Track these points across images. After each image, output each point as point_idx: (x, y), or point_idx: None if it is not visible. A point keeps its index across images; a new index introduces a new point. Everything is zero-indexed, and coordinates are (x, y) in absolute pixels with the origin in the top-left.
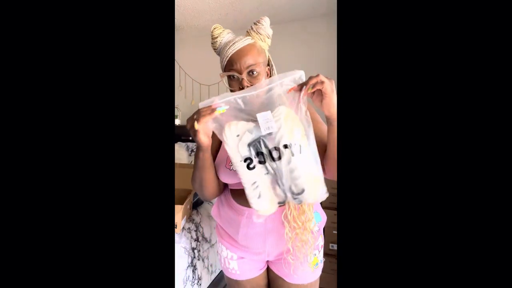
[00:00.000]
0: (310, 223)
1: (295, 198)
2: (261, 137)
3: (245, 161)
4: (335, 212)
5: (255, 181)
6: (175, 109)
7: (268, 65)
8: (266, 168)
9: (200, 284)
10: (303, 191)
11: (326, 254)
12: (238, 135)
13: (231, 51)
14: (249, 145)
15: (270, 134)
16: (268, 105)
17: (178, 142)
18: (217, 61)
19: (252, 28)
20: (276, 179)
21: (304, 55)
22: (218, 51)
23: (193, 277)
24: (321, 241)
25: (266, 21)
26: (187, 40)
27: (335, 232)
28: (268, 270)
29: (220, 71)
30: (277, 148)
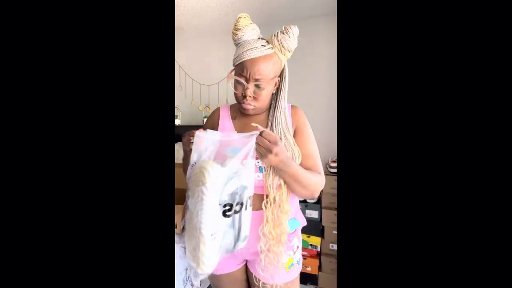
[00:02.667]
0: (285, 236)
1: (242, 242)
2: (243, 187)
3: (224, 206)
4: (335, 212)
5: (218, 231)
6: (175, 109)
7: (280, 76)
8: (234, 219)
9: (200, 284)
10: (246, 237)
11: (326, 254)
12: (222, 180)
13: (246, 56)
14: (232, 193)
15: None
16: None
17: (178, 142)
18: (217, 61)
19: (277, 36)
20: (237, 229)
21: (304, 55)
22: (236, 43)
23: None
24: (296, 242)
25: (294, 32)
26: (187, 40)
27: (335, 232)
28: (247, 267)
29: (220, 70)
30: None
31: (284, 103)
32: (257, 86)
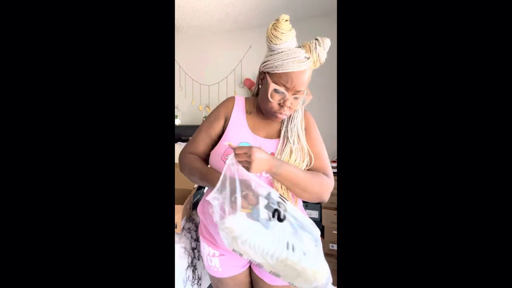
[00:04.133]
0: None
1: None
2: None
3: (272, 216)
4: (335, 212)
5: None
6: (175, 109)
7: None
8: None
9: (200, 284)
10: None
11: (326, 254)
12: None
13: (294, 67)
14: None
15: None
16: None
17: (178, 142)
18: (217, 61)
19: (315, 47)
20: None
21: None
22: (274, 49)
23: (193, 277)
24: None
25: (327, 44)
26: (187, 40)
27: (335, 232)
28: (251, 269)
29: (220, 70)
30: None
31: (302, 110)
32: (295, 97)
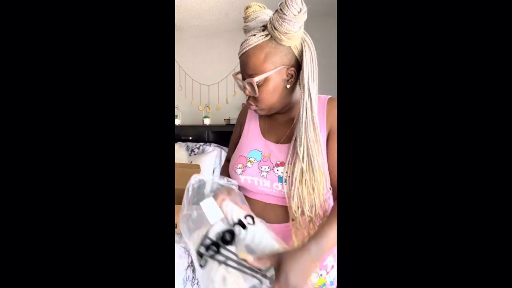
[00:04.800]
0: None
1: (267, 278)
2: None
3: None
4: None
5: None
6: (175, 109)
7: (297, 65)
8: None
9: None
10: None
11: None
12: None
13: (240, 50)
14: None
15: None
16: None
17: (178, 142)
18: (217, 61)
19: (271, 20)
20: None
21: None
22: None
23: (193, 277)
24: (331, 260)
25: (292, 9)
26: (187, 40)
27: None
28: None
29: (220, 70)
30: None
31: (307, 97)
32: (249, 82)
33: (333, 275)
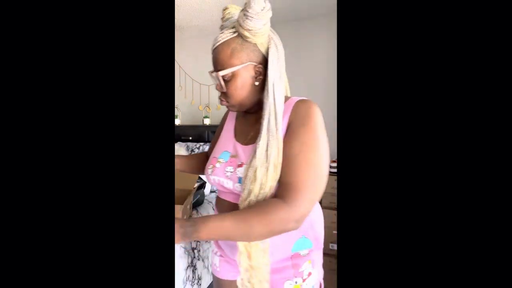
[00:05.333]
0: (266, 268)
1: None
2: None
3: None
4: (335, 212)
5: None
6: (175, 109)
7: (263, 63)
8: None
9: (200, 284)
10: None
11: (326, 254)
12: None
13: (211, 48)
14: None
15: None
16: None
17: (178, 142)
18: None
19: (238, 18)
20: None
21: (304, 55)
22: None
23: (193, 277)
24: (308, 267)
25: (255, 7)
26: (187, 40)
27: (335, 232)
28: None
29: None
30: None
31: (271, 97)
32: (223, 79)
33: (311, 282)
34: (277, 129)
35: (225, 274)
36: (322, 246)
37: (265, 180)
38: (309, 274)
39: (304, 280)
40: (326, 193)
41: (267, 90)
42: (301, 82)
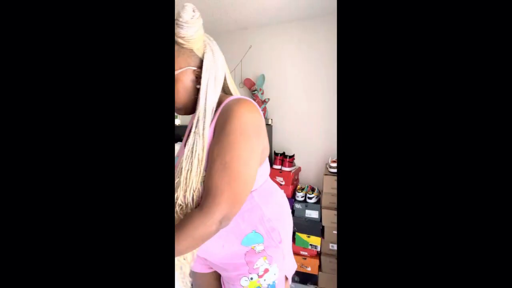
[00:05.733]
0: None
1: None
2: None
3: None
4: (335, 212)
5: None
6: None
7: (202, 67)
8: None
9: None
10: None
11: (326, 254)
12: None
13: None
14: None
15: None
16: None
17: (178, 142)
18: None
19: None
20: None
21: (304, 55)
22: None
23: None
24: (264, 263)
25: (184, 14)
26: None
27: (335, 232)
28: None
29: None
30: None
31: (203, 99)
32: None
33: (270, 278)
34: (204, 129)
35: (197, 267)
36: (281, 241)
37: (189, 175)
38: (266, 270)
39: (260, 276)
40: (326, 193)
41: (201, 92)
42: (301, 81)
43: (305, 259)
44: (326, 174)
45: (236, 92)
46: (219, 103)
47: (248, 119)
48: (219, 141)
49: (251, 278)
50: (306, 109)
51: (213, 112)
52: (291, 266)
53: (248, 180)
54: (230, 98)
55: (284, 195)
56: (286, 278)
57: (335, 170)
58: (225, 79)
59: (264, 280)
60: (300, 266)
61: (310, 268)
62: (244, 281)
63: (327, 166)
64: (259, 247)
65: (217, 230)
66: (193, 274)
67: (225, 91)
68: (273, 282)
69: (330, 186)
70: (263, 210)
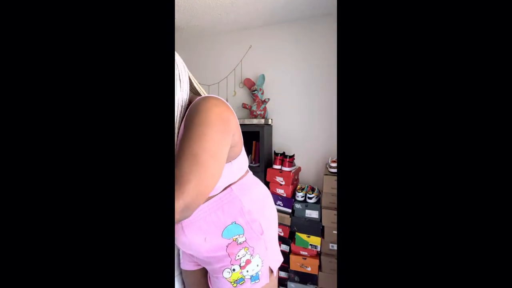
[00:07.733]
0: None
1: None
2: None
3: None
4: (335, 212)
5: None
6: None
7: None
8: None
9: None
10: None
11: (326, 254)
12: None
13: None
14: None
15: None
16: None
17: None
18: (217, 61)
19: None
20: None
21: (304, 55)
22: None
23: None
24: (246, 254)
25: None
26: (187, 40)
27: (335, 232)
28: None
29: (220, 70)
30: None
31: (176, 97)
32: None
33: (253, 270)
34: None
35: (186, 265)
36: (262, 233)
37: None
38: (248, 261)
39: (243, 267)
40: (326, 193)
41: (178, 90)
42: (301, 81)
43: (305, 259)
44: (326, 174)
45: (204, 93)
46: (189, 103)
47: (214, 113)
48: (188, 133)
49: (234, 270)
50: (306, 109)
51: (183, 109)
52: (276, 258)
53: (216, 173)
54: (199, 97)
55: (266, 189)
56: (272, 271)
57: (335, 170)
58: (192, 82)
59: (247, 271)
60: (300, 266)
61: (310, 268)
62: (226, 273)
63: (327, 166)
64: (240, 239)
65: (181, 219)
66: (184, 271)
67: (194, 92)
68: (257, 273)
69: (330, 186)
70: (243, 202)
